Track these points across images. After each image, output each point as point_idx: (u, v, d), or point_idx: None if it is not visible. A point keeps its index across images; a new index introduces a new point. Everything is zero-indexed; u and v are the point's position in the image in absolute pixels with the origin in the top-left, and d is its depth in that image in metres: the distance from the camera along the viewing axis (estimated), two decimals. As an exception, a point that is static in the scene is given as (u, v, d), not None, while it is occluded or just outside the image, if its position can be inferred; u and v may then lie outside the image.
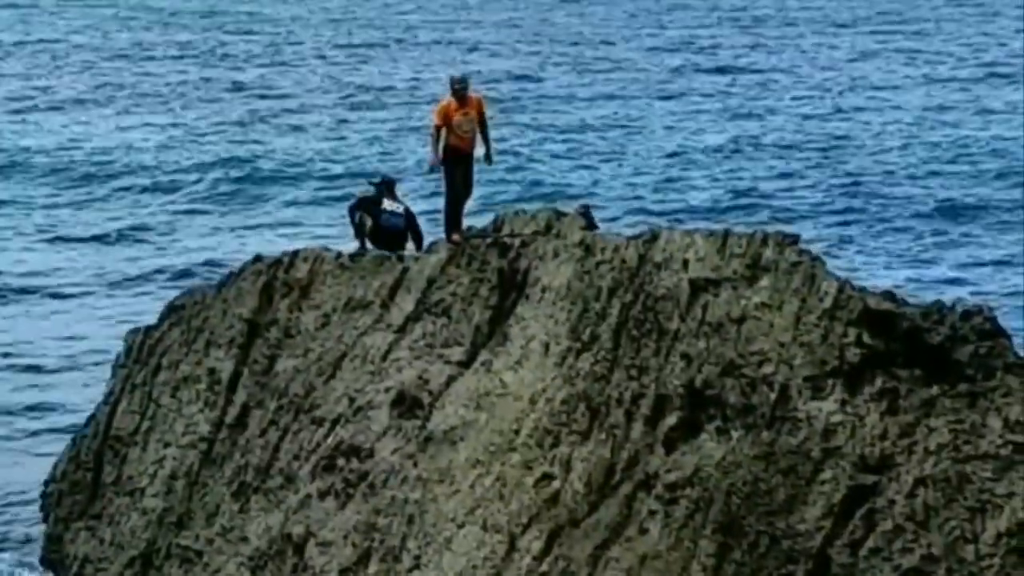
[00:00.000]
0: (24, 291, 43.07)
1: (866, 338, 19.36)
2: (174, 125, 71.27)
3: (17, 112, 73.68)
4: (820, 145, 68.55)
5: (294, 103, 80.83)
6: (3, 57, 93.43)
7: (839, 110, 79.40)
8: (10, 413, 33.05)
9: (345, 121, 75.61)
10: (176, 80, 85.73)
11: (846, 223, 52.57)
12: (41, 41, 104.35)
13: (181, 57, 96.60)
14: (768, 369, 19.44)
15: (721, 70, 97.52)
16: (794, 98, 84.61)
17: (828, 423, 18.94)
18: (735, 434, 19.34)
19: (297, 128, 72.22)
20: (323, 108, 79.79)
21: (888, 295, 20.35)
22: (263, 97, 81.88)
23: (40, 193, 56.23)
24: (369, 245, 23.95)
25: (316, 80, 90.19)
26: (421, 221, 24.93)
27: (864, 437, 18.81)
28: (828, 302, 19.57)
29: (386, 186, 24.41)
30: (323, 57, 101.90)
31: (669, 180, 60.66)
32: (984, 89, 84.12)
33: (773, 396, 19.28)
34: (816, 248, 21.40)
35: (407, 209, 24.37)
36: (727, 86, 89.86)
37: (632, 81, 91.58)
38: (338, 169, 62.08)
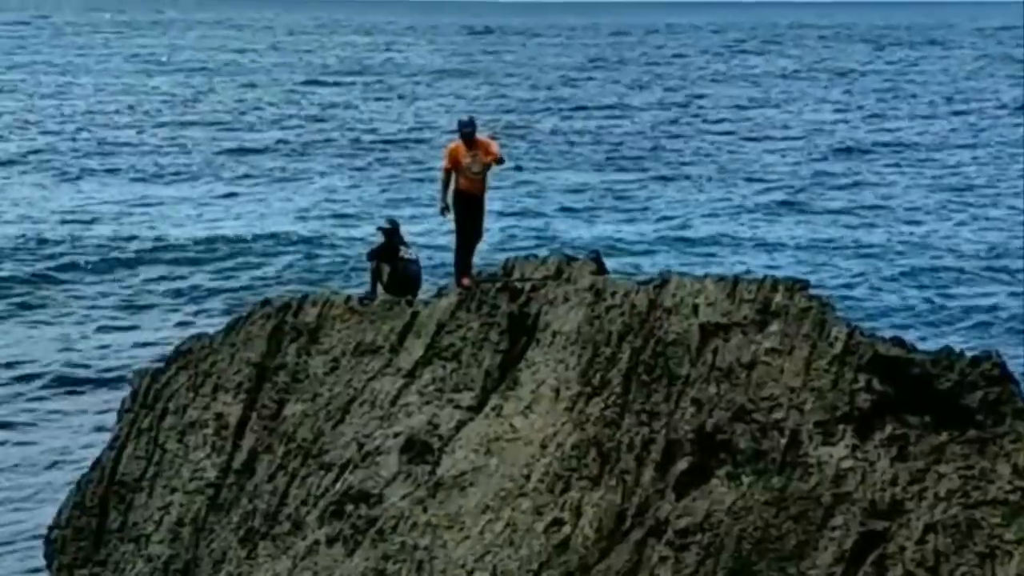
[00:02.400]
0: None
1: (876, 384, 19.37)
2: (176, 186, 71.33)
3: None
4: (830, 195, 68.81)
5: (304, 152, 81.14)
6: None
7: (847, 160, 79.72)
8: (14, 458, 32.96)
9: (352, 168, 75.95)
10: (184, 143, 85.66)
11: (855, 269, 52.69)
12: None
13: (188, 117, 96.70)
14: (778, 414, 19.43)
15: (725, 122, 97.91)
16: (800, 149, 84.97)
17: (838, 469, 18.91)
18: (746, 479, 19.30)
19: (309, 178, 72.51)
20: (333, 155, 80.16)
21: (897, 341, 20.39)
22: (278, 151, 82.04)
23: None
24: (380, 291, 24.00)
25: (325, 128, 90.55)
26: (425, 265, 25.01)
27: (874, 483, 18.78)
28: (838, 348, 19.60)
29: (395, 231, 24.44)
30: (334, 104, 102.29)
31: (678, 227, 60.86)
32: (1001, 143, 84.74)
33: (784, 441, 19.27)
34: (825, 294, 21.43)
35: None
36: (731, 138, 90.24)
37: (642, 132, 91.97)
38: (349, 210, 62.43)
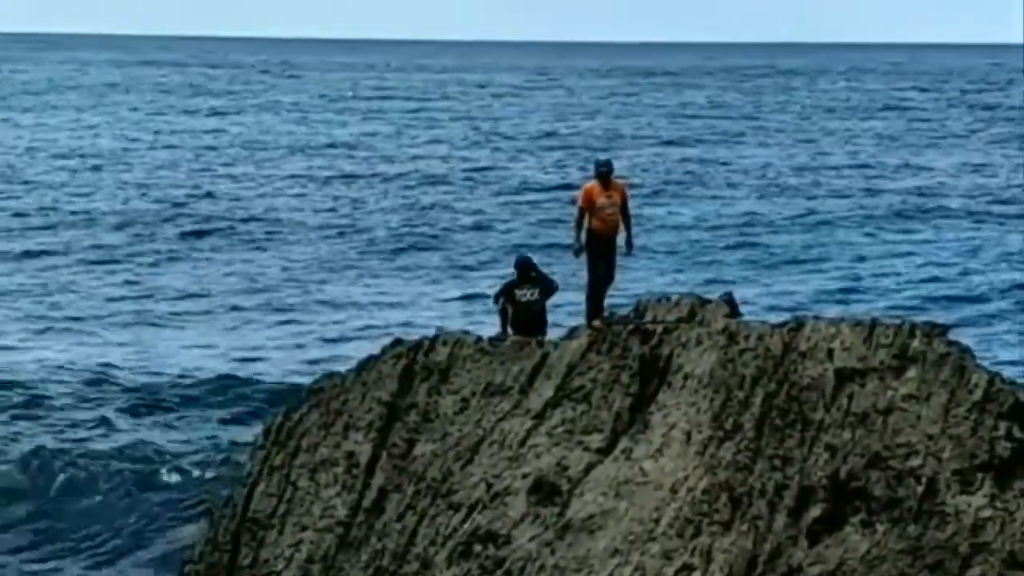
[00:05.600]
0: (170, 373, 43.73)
1: (1017, 432, 18.99)
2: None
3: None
4: (975, 243, 67.86)
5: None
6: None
7: (1001, 204, 78.63)
8: (150, 492, 33.31)
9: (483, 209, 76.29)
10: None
11: (997, 313, 51.83)
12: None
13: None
14: (915, 462, 19.10)
15: (855, 164, 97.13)
16: (950, 189, 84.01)
17: (977, 518, 18.55)
18: (880, 528, 18.99)
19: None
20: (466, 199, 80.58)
21: (1040, 389, 19.97)
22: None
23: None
24: (511, 331, 23.92)
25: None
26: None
27: (1014, 533, 18.42)
28: (978, 395, 19.23)
29: (522, 269, 24.26)
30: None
31: (809, 271, 60.34)
32: None
33: (920, 489, 18.94)
34: (966, 339, 21.04)
35: (543, 288, 24.09)
36: (860, 178, 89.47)
37: (774, 176, 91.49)
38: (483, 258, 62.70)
